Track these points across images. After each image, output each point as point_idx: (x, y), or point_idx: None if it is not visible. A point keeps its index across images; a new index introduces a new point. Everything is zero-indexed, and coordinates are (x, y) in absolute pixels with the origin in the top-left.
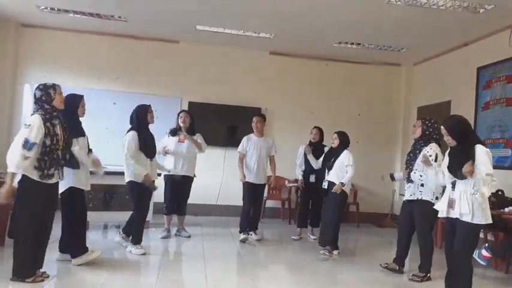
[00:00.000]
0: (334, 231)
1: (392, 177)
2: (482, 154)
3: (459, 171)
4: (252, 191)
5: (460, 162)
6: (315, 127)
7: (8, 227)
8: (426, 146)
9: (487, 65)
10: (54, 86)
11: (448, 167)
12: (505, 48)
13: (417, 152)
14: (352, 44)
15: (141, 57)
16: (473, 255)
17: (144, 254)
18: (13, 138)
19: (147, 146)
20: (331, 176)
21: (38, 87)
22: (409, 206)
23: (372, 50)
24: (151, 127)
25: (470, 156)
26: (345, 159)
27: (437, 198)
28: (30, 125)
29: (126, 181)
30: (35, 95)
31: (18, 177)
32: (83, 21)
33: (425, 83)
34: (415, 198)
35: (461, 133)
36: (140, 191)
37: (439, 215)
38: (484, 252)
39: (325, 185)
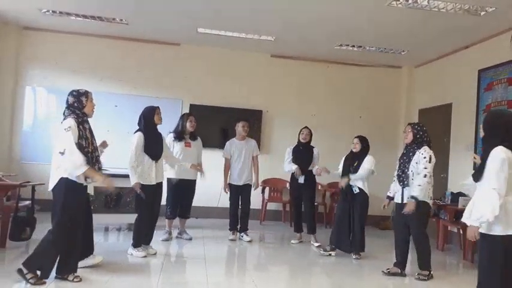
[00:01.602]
0: (363, 235)
1: (390, 198)
2: (491, 162)
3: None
4: (237, 193)
5: (478, 167)
6: (306, 127)
7: (9, 230)
8: (419, 149)
9: (488, 68)
10: (86, 93)
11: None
12: (506, 50)
13: (410, 155)
14: (353, 46)
15: (143, 60)
16: None
17: (145, 256)
18: (15, 140)
19: (152, 147)
20: (357, 180)
21: (71, 94)
22: (403, 208)
23: (373, 52)
24: None
25: (485, 159)
26: (366, 162)
27: (431, 198)
28: (70, 127)
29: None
30: (67, 101)
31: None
32: (85, 24)
33: (426, 85)
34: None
35: (486, 126)
36: (139, 194)
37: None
38: None
39: (356, 189)
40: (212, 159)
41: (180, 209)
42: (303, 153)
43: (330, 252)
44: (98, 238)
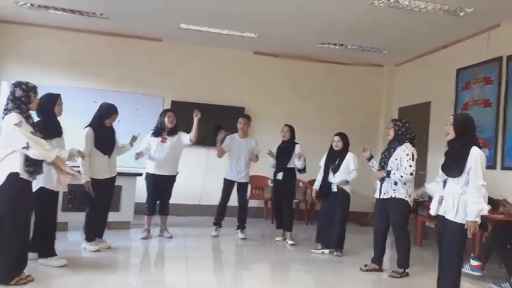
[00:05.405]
0: (343, 231)
1: (370, 158)
2: (476, 161)
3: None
4: (230, 188)
5: (453, 162)
6: (285, 125)
7: None
8: (401, 145)
9: (466, 67)
10: (35, 89)
11: (442, 165)
12: (484, 50)
13: (391, 150)
14: (335, 44)
15: (124, 55)
16: (465, 269)
17: (98, 250)
18: None
19: (103, 143)
20: (338, 178)
21: (19, 87)
22: (382, 204)
23: (355, 51)
24: (133, 125)
25: (464, 156)
26: (351, 162)
27: (410, 195)
28: (20, 122)
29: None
30: (14, 93)
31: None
32: (64, 18)
33: (406, 84)
34: (389, 197)
35: (464, 128)
36: (95, 189)
37: (430, 212)
38: (473, 262)
39: (334, 188)
40: (193, 157)
41: (159, 205)
42: (283, 151)
43: (323, 250)
44: (76, 237)
